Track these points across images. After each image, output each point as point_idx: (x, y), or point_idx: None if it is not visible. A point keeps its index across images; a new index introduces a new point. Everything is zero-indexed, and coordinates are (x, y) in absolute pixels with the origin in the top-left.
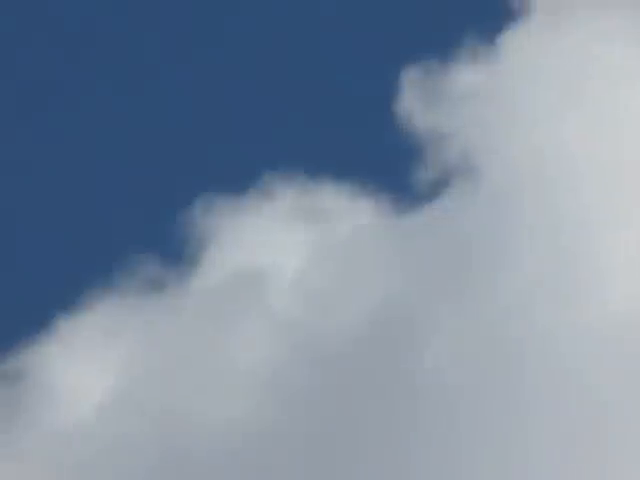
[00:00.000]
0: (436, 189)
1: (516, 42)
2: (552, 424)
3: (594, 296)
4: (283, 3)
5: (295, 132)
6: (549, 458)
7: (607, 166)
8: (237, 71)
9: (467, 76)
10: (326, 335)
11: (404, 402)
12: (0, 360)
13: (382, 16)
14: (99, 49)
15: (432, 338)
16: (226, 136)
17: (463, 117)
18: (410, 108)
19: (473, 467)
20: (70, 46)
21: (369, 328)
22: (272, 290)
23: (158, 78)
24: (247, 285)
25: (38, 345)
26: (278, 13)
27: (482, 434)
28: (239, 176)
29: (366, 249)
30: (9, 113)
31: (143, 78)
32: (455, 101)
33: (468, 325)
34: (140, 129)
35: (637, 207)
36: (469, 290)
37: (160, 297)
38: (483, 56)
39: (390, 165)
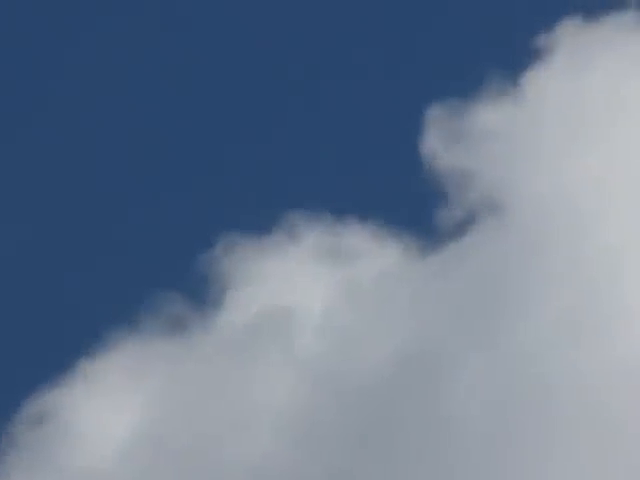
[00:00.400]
0: (461, 228)
1: (540, 81)
2: (582, 459)
3: (621, 332)
4: (308, 43)
5: (319, 171)
6: None
7: (633, 202)
8: (261, 109)
9: (490, 115)
10: (351, 375)
11: (430, 440)
12: (23, 402)
13: (406, 55)
14: (119, 91)
15: (459, 377)
16: (249, 175)
17: (487, 156)
18: (434, 147)
19: None
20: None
21: (395, 368)
22: (297, 330)
23: (180, 112)
24: (271, 325)
25: (61, 387)
26: (305, 52)
27: (511, 470)
28: (263, 216)
29: (391, 289)
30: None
31: (165, 113)
32: (479, 140)
33: (495, 363)
34: (163, 166)
35: None
36: (496, 328)
37: (183, 337)
38: (506, 95)
39: (415, 204)
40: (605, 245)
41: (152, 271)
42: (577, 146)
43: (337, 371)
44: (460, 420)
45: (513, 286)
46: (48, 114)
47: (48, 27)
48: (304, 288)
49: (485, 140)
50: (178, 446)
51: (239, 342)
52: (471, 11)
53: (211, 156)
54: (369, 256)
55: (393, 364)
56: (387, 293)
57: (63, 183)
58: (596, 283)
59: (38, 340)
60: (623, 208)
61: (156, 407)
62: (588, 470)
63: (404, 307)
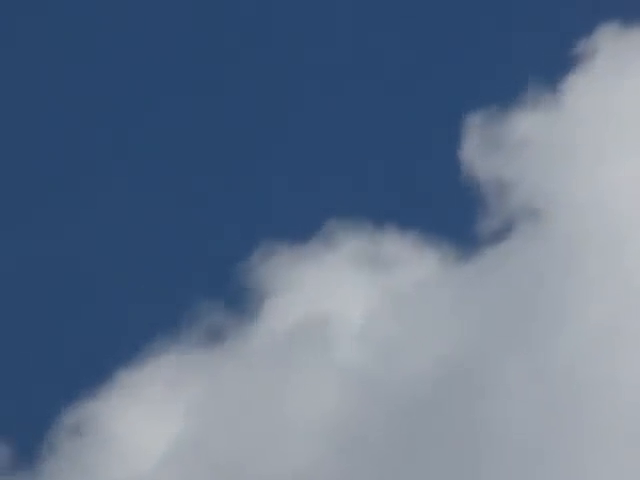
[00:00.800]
0: (499, 235)
1: (579, 87)
2: (616, 469)
3: None
4: (350, 47)
5: (358, 179)
6: None
7: None
8: (302, 119)
9: (529, 122)
10: (392, 382)
11: (471, 451)
12: (63, 412)
13: (445, 63)
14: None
15: (498, 387)
16: (289, 183)
17: (526, 163)
18: (472, 155)
19: None
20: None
21: (435, 377)
22: (336, 339)
23: (218, 120)
24: (310, 334)
25: (100, 398)
26: (346, 57)
27: (547, 475)
28: (301, 224)
29: (430, 296)
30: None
31: (203, 121)
32: (517, 147)
33: (534, 373)
34: (203, 175)
35: None
36: (535, 338)
37: (222, 347)
38: (546, 102)
39: (454, 213)
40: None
41: (191, 281)
42: (616, 153)
43: (378, 379)
44: (500, 424)
45: (552, 292)
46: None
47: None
48: (343, 296)
49: (524, 147)
50: (218, 457)
51: (279, 351)
52: (511, 18)
53: (250, 164)
54: (408, 264)
55: (434, 371)
56: (426, 300)
57: (107, 194)
58: (635, 291)
59: (78, 350)
60: None
61: (196, 417)
62: None
63: (443, 314)
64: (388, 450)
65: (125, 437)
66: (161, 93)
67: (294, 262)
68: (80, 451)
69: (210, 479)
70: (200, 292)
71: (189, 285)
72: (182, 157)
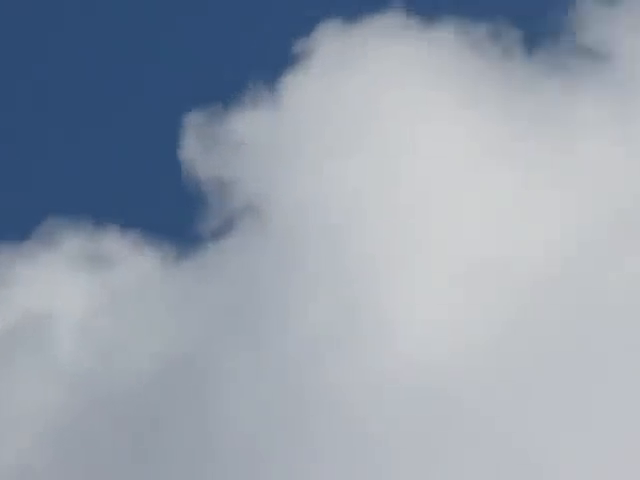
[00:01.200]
0: (220, 234)
1: (298, 85)
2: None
3: (381, 341)
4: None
5: (80, 178)
6: None
7: (388, 211)
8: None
9: (249, 121)
10: (111, 382)
11: (193, 452)
12: None
13: (164, 61)
14: None
15: (222, 385)
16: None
17: (246, 162)
18: (193, 154)
19: None
20: None
21: (157, 371)
22: (56, 336)
23: None
24: (31, 332)
25: None
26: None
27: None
28: (20, 223)
29: (152, 295)
30: None
31: None
32: (237, 146)
33: (258, 373)
34: None
35: (418, 252)
36: (258, 335)
37: None
38: (265, 101)
39: (174, 212)
40: (359, 253)
41: None
42: (336, 151)
43: (98, 377)
44: (222, 423)
45: (273, 290)
46: None
47: None
48: (63, 295)
49: (244, 146)
50: None
51: None
52: (231, 15)
53: None
54: (128, 263)
55: (155, 367)
56: (147, 298)
57: None
58: (355, 293)
59: None
60: (378, 217)
61: None
62: None
63: (165, 312)
64: (103, 442)
65: None
66: None
67: (12, 260)
68: None
69: None
70: None
71: None
72: None
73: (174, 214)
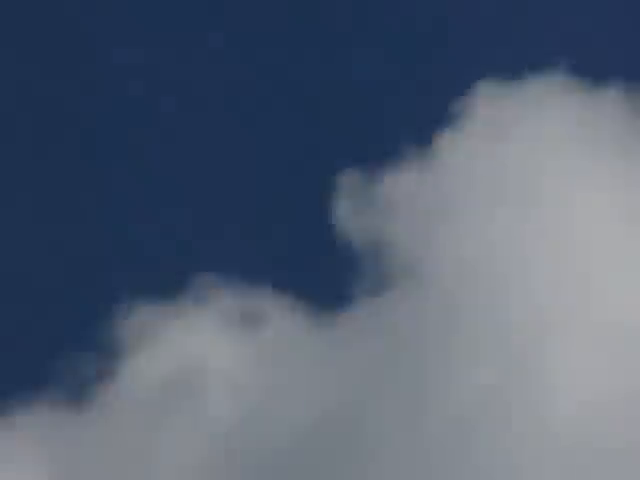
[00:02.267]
0: (375, 294)
1: (455, 146)
2: None
3: (544, 405)
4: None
5: (232, 238)
6: None
7: (552, 266)
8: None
9: (403, 182)
10: (264, 438)
11: None
12: None
13: (316, 122)
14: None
15: (379, 451)
16: (159, 237)
17: (401, 222)
18: (346, 215)
19: None
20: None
21: (309, 437)
22: (208, 393)
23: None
24: (182, 388)
25: None
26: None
27: None
28: (171, 280)
29: (302, 353)
30: None
31: None
32: (391, 207)
33: (419, 437)
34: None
35: (583, 308)
36: (417, 398)
37: (90, 403)
38: (422, 160)
39: (327, 272)
40: (525, 310)
41: (58, 336)
42: (491, 212)
43: (247, 438)
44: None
45: (431, 350)
46: None
47: None
48: (216, 352)
49: (398, 207)
50: None
51: (149, 405)
52: (387, 74)
53: (119, 216)
54: (280, 322)
55: (306, 422)
56: (297, 356)
57: None
58: (517, 348)
59: None
60: (542, 272)
61: (63, 474)
62: None
63: (315, 369)
64: None
65: None
66: None
67: (160, 319)
68: None
69: None
70: (67, 349)
71: (57, 341)
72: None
73: (326, 275)
